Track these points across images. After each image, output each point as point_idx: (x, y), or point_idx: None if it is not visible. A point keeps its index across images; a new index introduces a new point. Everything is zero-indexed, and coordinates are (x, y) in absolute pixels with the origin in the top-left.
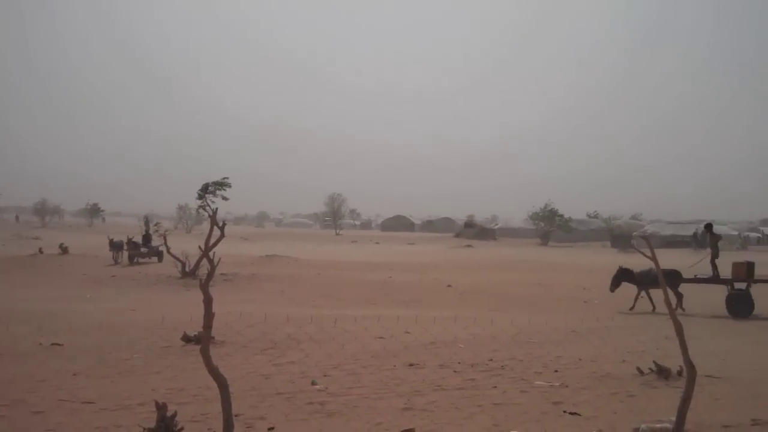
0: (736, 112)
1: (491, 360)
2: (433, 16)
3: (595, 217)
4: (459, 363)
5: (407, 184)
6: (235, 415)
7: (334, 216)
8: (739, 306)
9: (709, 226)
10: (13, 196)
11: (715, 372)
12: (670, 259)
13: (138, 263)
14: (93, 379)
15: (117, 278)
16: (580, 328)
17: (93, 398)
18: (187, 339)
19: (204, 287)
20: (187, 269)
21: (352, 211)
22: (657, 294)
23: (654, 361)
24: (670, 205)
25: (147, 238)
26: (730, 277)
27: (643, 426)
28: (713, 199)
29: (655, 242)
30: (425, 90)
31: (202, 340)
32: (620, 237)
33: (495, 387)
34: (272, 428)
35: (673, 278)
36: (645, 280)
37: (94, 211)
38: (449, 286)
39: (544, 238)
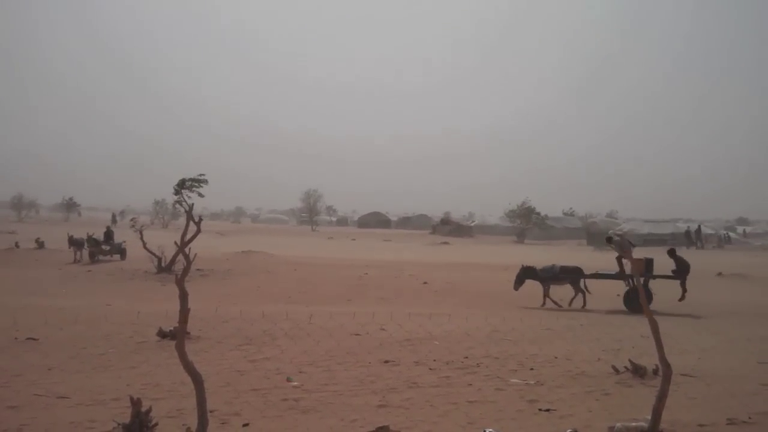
0: (709, 111)
1: (466, 357)
2: (410, 12)
3: (571, 214)
4: (434, 360)
5: (384, 180)
6: (210, 411)
7: (310, 212)
8: (636, 301)
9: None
10: None
11: (691, 371)
12: (647, 256)
13: (99, 261)
14: (68, 374)
15: (93, 273)
16: (556, 325)
17: (68, 393)
18: (162, 334)
19: (180, 282)
20: (163, 264)
21: (329, 208)
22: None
23: (629, 360)
24: (645, 203)
25: (108, 234)
26: (629, 273)
27: (618, 425)
28: (689, 197)
29: (631, 240)
30: (401, 87)
31: (178, 335)
32: (596, 235)
33: (470, 385)
34: (247, 424)
35: (575, 274)
36: (547, 276)
37: (70, 205)
38: (425, 283)
39: (521, 235)
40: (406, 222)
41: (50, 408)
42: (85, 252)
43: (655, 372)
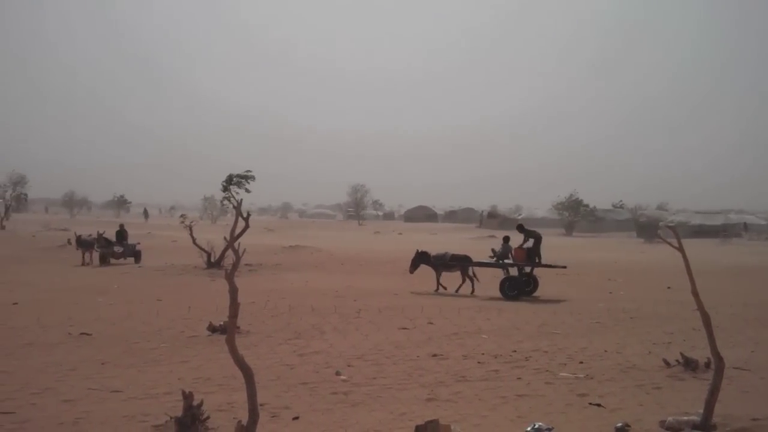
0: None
1: (515, 351)
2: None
3: (621, 207)
4: (483, 354)
5: (431, 174)
6: (261, 405)
7: (357, 206)
8: (510, 289)
9: (520, 227)
10: (43, 189)
11: (744, 364)
12: (698, 249)
13: (111, 264)
14: (121, 369)
15: (143, 269)
16: (606, 319)
17: (121, 387)
18: (212, 329)
19: (229, 277)
20: (212, 260)
21: (375, 202)
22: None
23: (681, 353)
24: (696, 193)
25: (122, 234)
26: (512, 262)
27: (669, 419)
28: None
29: (682, 232)
30: (440, 76)
31: (228, 329)
32: (646, 227)
33: (519, 378)
34: (297, 418)
35: (464, 262)
36: (439, 263)
37: (120, 202)
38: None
39: (569, 228)
40: (452, 216)
41: (104, 402)
42: (96, 254)
43: (707, 365)
